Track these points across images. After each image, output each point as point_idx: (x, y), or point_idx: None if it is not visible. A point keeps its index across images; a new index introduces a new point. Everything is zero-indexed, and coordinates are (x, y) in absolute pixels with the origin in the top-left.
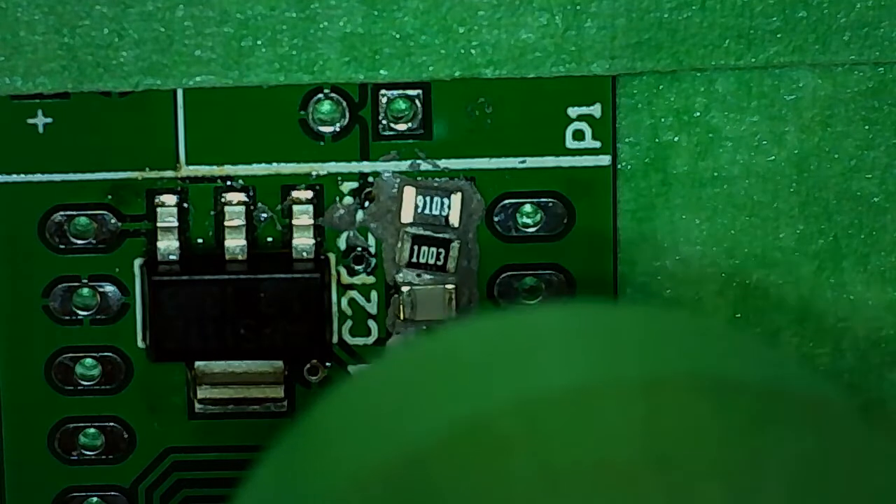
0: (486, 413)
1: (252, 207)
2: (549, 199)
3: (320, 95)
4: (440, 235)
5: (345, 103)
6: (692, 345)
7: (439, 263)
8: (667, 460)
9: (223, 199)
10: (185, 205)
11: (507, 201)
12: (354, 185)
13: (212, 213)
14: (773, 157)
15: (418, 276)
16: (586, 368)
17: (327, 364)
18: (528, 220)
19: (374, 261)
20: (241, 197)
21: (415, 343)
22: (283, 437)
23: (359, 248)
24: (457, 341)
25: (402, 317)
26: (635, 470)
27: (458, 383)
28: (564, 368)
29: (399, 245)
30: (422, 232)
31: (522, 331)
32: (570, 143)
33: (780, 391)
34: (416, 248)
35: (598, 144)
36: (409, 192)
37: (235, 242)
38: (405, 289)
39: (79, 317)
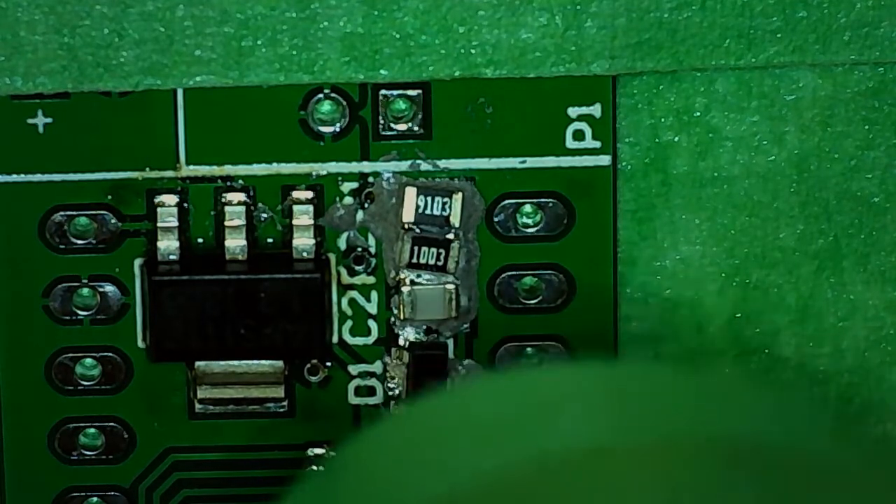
0: (504, 470)
1: (252, 207)
2: (549, 199)
3: (320, 95)
4: (440, 235)
5: (345, 103)
6: (704, 405)
7: (439, 263)
8: None
9: (223, 199)
10: (186, 205)
11: (507, 201)
12: (354, 185)
13: (212, 213)
14: (773, 157)
15: (418, 276)
16: (600, 428)
17: (327, 364)
18: (528, 220)
19: (374, 261)
20: (242, 197)
21: (439, 396)
22: (306, 479)
23: (359, 248)
24: (479, 398)
25: (402, 317)
26: None
27: (480, 439)
28: (579, 428)
29: (399, 245)
30: (422, 232)
31: (540, 390)
32: (570, 143)
33: (792, 453)
34: (416, 248)
35: (598, 144)
36: (410, 193)
37: (235, 242)
38: (405, 289)
39: (79, 317)
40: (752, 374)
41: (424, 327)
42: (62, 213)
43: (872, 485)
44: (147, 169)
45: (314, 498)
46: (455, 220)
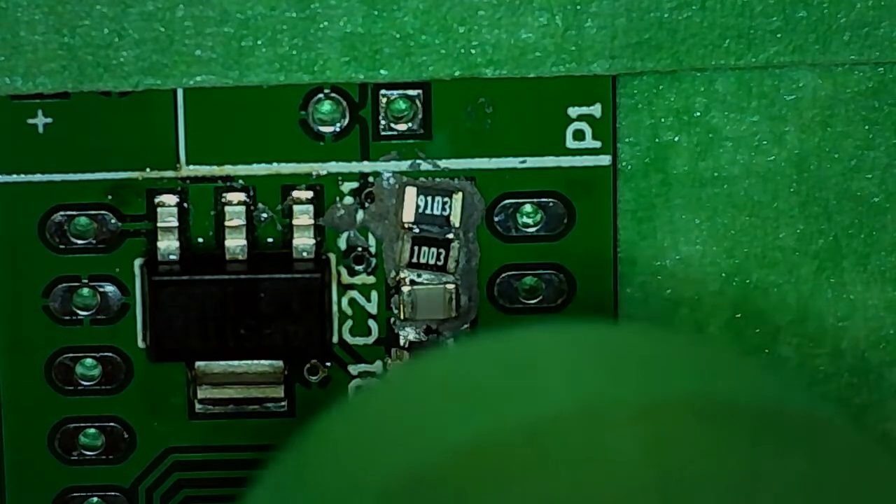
0: (491, 435)
1: (252, 207)
2: (549, 199)
3: (320, 95)
4: (440, 235)
5: (345, 103)
6: (692, 367)
7: (439, 263)
8: (671, 484)
9: (223, 199)
10: (186, 205)
11: (507, 201)
12: (355, 185)
13: (212, 213)
14: (773, 157)
15: (418, 276)
16: (588, 391)
17: (327, 364)
18: (528, 220)
19: (374, 261)
20: (242, 197)
21: (419, 362)
22: (284, 449)
23: (359, 248)
24: (462, 361)
25: (402, 317)
26: (637, 493)
27: (463, 403)
28: (567, 391)
29: (399, 245)
30: (422, 232)
31: (526, 351)
32: (571, 143)
33: (777, 412)
34: (416, 248)
35: (598, 144)
36: (410, 192)
37: (235, 242)
38: (406, 289)
39: (79, 317)
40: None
41: (424, 327)
42: (62, 213)
43: (862, 446)
44: (147, 169)
45: (288, 472)
46: (455, 220)
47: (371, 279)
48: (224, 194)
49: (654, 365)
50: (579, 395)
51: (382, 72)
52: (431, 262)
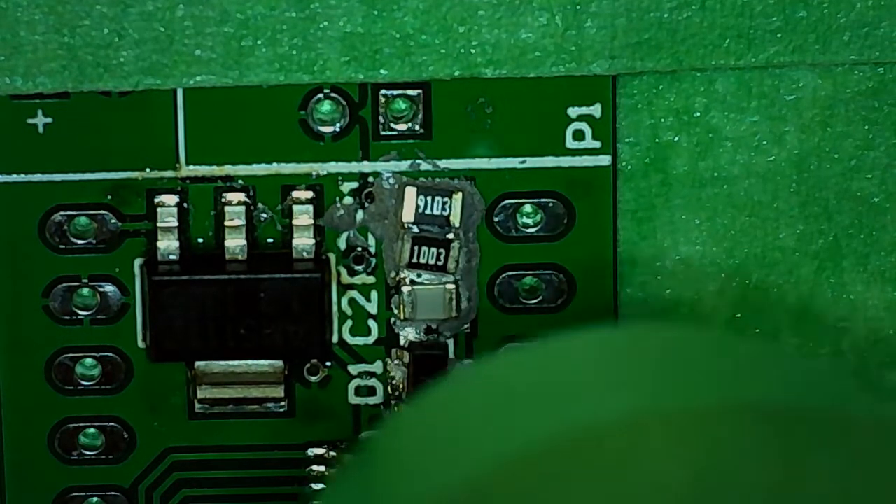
0: (533, 446)
1: (252, 207)
2: (549, 199)
3: (320, 95)
4: (440, 235)
5: (345, 103)
6: (728, 370)
7: (439, 263)
8: (713, 492)
9: (223, 199)
10: (185, 205)
11: (507, 201)
12: (354, 185)
13: (212, 213)
14: (773, 157)
15: (418, 276)
16: (627, 398)
17: (327, 364)
18: (528, 220)
19: (374, 261)
20: (241, 197)
21: (459, 376)
22: (340, 474)
23: (359, 248)
24: (500, 373)
25: (402, 317)
26: (677, 501)
27: (504, 416)
28: (606, 398)
29: (399, 245)
30: (422, 232)
31: (563, 360)
32: (570, 143)
33: (826, 414)
34: (416, 248)
35: (598, 144)
36: (410, 192)
37: (235, 242)
38: (406, 289)
39: (79, 317)
40: (738, 321)
41: (424, 327)
42: (62, 213)
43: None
44: (147, 169)
45: (352, 492)
46: (455, 220)
47: (371, 279)
48: (224, 194)
49: (690, 369)
50: (618, 403)
51: (382, 72)
52: (431, 262)
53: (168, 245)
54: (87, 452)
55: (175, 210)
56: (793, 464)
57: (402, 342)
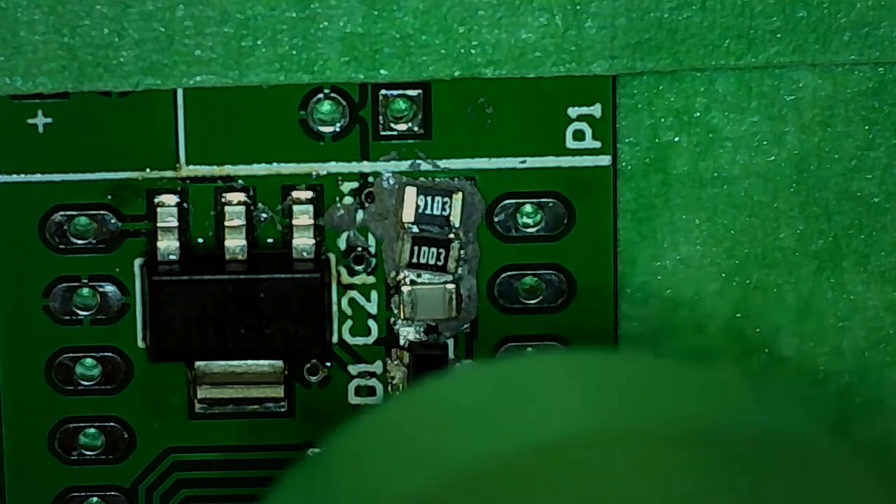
0: (494, 459)
1: (252, 207)
2: (549, 199)
3: (320, 95)
4: (440, 235)
5: (345, 103)
6: (694, 394)
7: (439, 263)
8: None
9: (223, 199)
10: (185, 205)
11: (507, 201)
12: (354, 185)
13: (212, 213)
14: (773, 157)
15: (418, 276)
16: (592, 417)
17: (327, 364)
18: (528, 220)
19: (374, 261)
20: (241, 197)
21: (424, 386)
22: (297, 467)
23: (359, 248)
24: (462, 387)
25: (402, 317)
26: None
27: (466, 428)
28: (572, 416)
29: (399, 245)
30: (422, 232)
31: (530, 378)
32: (570, 143)
33: (777, 440)
34: (416, 248)
35: (598, 144)
36: (410, 192)
37: (235, 242)
38: (406, 289)
39: (79, 317)
40: (734, 368)
41: (424, 327)
42: (62, 213)
43: (858, 475)
44: (147, 169)
45: (299, 494)
46: (455, 220)
47: (371, 279)
48: (224, 194)
49: (655, 392)
50: (583, 421)
51: (382, 72)
52: (431, 262)
53: (168, 245)
54: (87, 452)
55: (175, 210)
56: (756, 490)
57: (402, 342)
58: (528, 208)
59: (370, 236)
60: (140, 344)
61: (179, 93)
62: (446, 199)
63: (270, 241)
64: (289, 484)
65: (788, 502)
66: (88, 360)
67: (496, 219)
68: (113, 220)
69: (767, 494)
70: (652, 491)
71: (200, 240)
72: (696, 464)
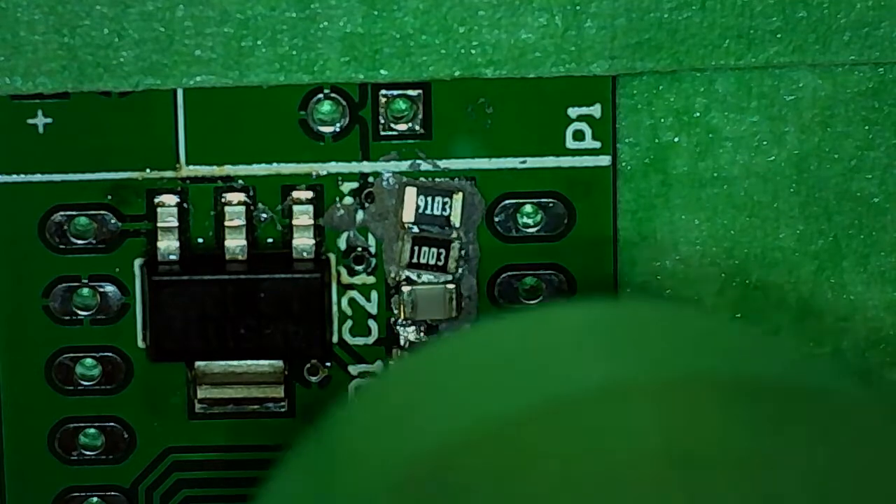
0: (510, 415)
1: (252, 207)
2: (549, 199)
3: (320, 95)
4: (440, 235)
5: (345, 103)
6: (711, 343)
7: (439, 263)
8: (688, 461)
9: (223, 199)
10: (185, 205)
11: (507, 201)
12: (354, 185)
13: (212, 213)
14: (773, 157)
15: (418, 276)
16: (608, 369)
17: (327, 364)
18: (529, 220)
19: (374, 261)
20: (241, 197)
21: (435, 344)
22: (308, 434)
23: (359, 248)
24: (478, 342)
25: (402, 317)
26: (657, 471)
27: (481, 384)
28: (586, 369)
29: (399, 245)
30: (422, 232)
31: (542, 331)
32: (570, 144)
33: (800, 389)
34: (416, 248)
35: (598, 145)
36: (411, 193)
37: (235, 242)
38: (406, 289)
39: (79, 317)
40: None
41: (424, 327)
42: (62, 213)
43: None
44: (147, 169)
45: (312, 454)
46: (455, 220)
47: (371, 279)
48: (224, 194)
49: (674, 342)
50: (597, 374)
51: (382, 72)
52: (431, 262)
53: (168, 245)
54: (87, 452)
55: (175, 210)
56: (766, 435)
57: (402, 342)
58: (528, 208)
59: (370, 236)
60: (140, 344)
61: (179, 93)
62: (446, 199)
63: (270, 241)
64: (293, 459)
65: (808, 452)
66: (88, 360)
67: (496, 219)
68: (113, 220)
69: (785, 449)
70: (666, 441)
71: (200, 240)
72: (714, 415)
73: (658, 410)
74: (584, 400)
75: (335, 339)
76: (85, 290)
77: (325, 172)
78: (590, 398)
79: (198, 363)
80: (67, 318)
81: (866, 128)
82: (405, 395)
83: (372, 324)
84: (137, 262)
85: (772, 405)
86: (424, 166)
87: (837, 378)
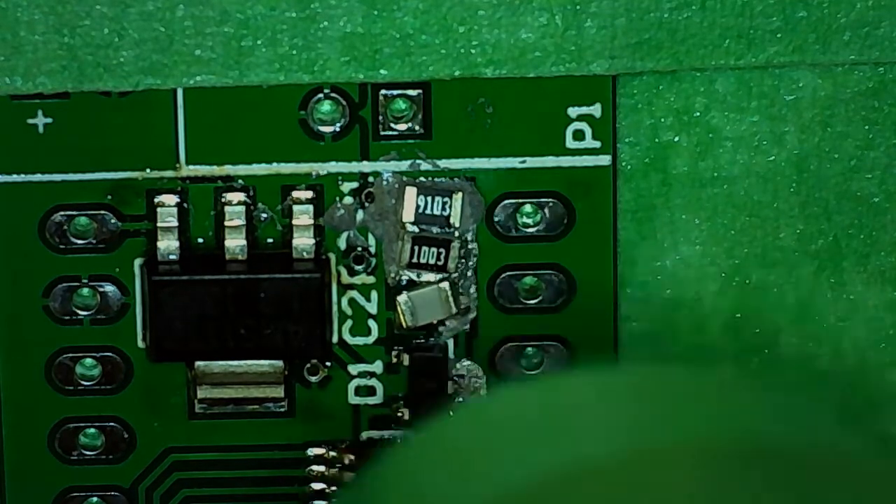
0: (539, 478)
1: (252, 207)
2: (549, 199)
3: (320, 95)
4: (440, 235)
5: (345, 103)
6: (733, 407)
7: (439, 263)
8: None
9: (223, 199)
10: (185, 205)
11: (507, 201)
12: (354, 185)
13: (212, 213)
14: (773, 157)
15: (418, 275)
16: (632, 433)
17: (327, 364)
18: (528, 220)
19: (374, 261)
20: (241, 197)
21: (462, 409)
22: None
23: (359, 248)
24: (507, 407)
25: (402, 317)
26: None
27: (513, 446)
28: (615, 434)
29: (399, 245)
30: (422, 232)
31: (566, 395)
32: (570, 143)
33: (819, 455)
34: (416, 248)
35: (598, 144)
36: (410, 192)
37: (235, 242)
38: (401, 298)
39: (79, 317)
40: (755, 375)
41: (424, 327)
42: (62, 213)
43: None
44: (147, 169)
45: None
46: (455, 220)
47: (371, 279)
48: (224, 194)
49: (689, 408)
50: (618, 439)
51: (382, 72)
52: (431, 262)
53: (168, 245)
54: (87, 452)
55: (175, 210)
56: (793, 502)
57: (402, 342)
58: (528, 208)
59: (370, 236)
60: (140, 344)
61: (179, 93)
62: (446, 199)
63: (270, 241)
64: None
65: None
66: (88, 360)
67: (496, 219)
68: (113, 220)
69: None
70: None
71: (200, 240)
72: (740, 480)
73: (690, 476)
74: (606, 465)
75: (335, 338)
76: (85, 290)
77: (324, 172)
78: (612, 463)
79: (198, 363)
80: (67, 318)
81: (866, 128)
82: (444, 451)
83: (372, 324)
84: (137, 262)
85: (795, 472)
86: (424, 166)
87: (863, 444)
